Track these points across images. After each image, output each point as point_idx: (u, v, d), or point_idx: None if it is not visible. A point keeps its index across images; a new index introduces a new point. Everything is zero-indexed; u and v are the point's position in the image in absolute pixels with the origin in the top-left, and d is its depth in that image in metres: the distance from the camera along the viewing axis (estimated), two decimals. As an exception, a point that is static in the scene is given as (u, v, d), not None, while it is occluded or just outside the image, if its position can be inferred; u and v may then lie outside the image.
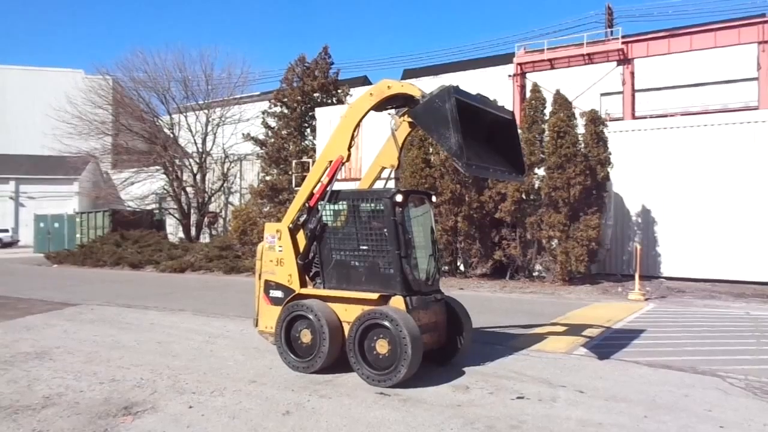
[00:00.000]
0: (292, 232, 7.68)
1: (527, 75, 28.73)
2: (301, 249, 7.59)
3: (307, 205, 7.64)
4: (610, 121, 21.35)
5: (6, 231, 43.95)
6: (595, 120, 17.28)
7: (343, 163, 7.52)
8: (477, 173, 7.24)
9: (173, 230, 34.52)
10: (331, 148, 7.62)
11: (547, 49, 28.56)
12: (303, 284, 7.55)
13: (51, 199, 44.26)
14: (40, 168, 45.27)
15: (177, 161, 32.40)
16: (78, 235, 32.38)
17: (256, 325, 7.92)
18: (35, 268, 25.23)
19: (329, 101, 28.43)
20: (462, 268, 18.80)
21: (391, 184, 8.50)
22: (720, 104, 29.98)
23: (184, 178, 32.71)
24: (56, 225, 36.01)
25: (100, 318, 11.33)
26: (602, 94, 31.40)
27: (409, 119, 7.65)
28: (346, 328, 6.93)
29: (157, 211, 35.32)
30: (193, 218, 32.79)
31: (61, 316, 11.50)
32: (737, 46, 26.10)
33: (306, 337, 7.10)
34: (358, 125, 7.53)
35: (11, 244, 42.68)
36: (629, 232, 19.04)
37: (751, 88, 27.52)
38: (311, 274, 7.66)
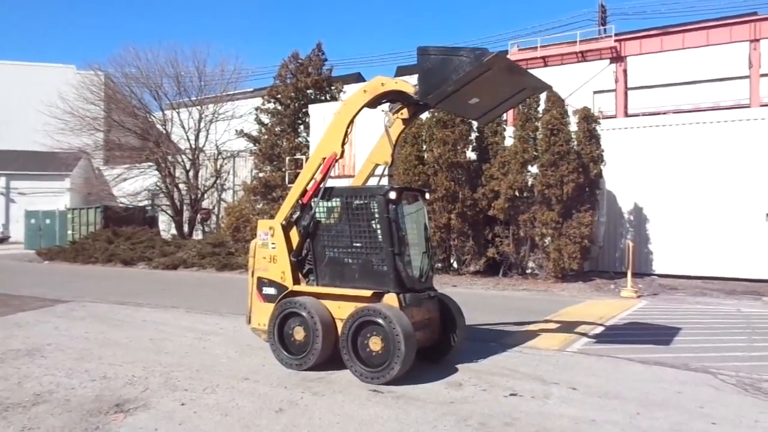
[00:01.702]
0: (285, 229, 7.65)
1: (521, 72, 28.72)
2: (294, 246, 7.56)
3: (300, 202, 7.63)
4: (603, 118, 21.40)
5: None
6: (587, 117, 17.31)
7: (337, 160, 7.50)
8: (515, 68, 7.17)
9: (166, 227, 34.32)
10: (324, 145, 7.60)
11: (540, 46, 28.60)
12: (296, 281, 7.52)
13: (42, 195, 43.80)
14: (31, 164, 44.82)
15: (169, 157, 32.14)
16: (69, 232, 32.10)
17: (249, 322, 7.90)
18: (26, 264, 25.04)
19: (323, 98, 28.36)
20: (455, 265, 18.82)
21: (385, 181, 8.49)
22: (712, 102, 30.15)
23: (177, 174, 32.45)
24: (47, 221, 35.67)
25: (92, 315, 11.26)
26: (595, 92, 31.47)
27: (405, 117, 7.65)
28: (339, 325, 6.91)
29: (150, 207, 35.07)
30: (186, 215, 32.57)
31: (53, 313, 11.42)
32: (729, 44, 26.25)
33: (299, 334, 7.09)
34: (351, 122, 7.52)
35: (2, 240, 42.34)
36: (622, 230, 19.12)
37: (742, 86, 27.69)
38: (304, 271, 7.64)
